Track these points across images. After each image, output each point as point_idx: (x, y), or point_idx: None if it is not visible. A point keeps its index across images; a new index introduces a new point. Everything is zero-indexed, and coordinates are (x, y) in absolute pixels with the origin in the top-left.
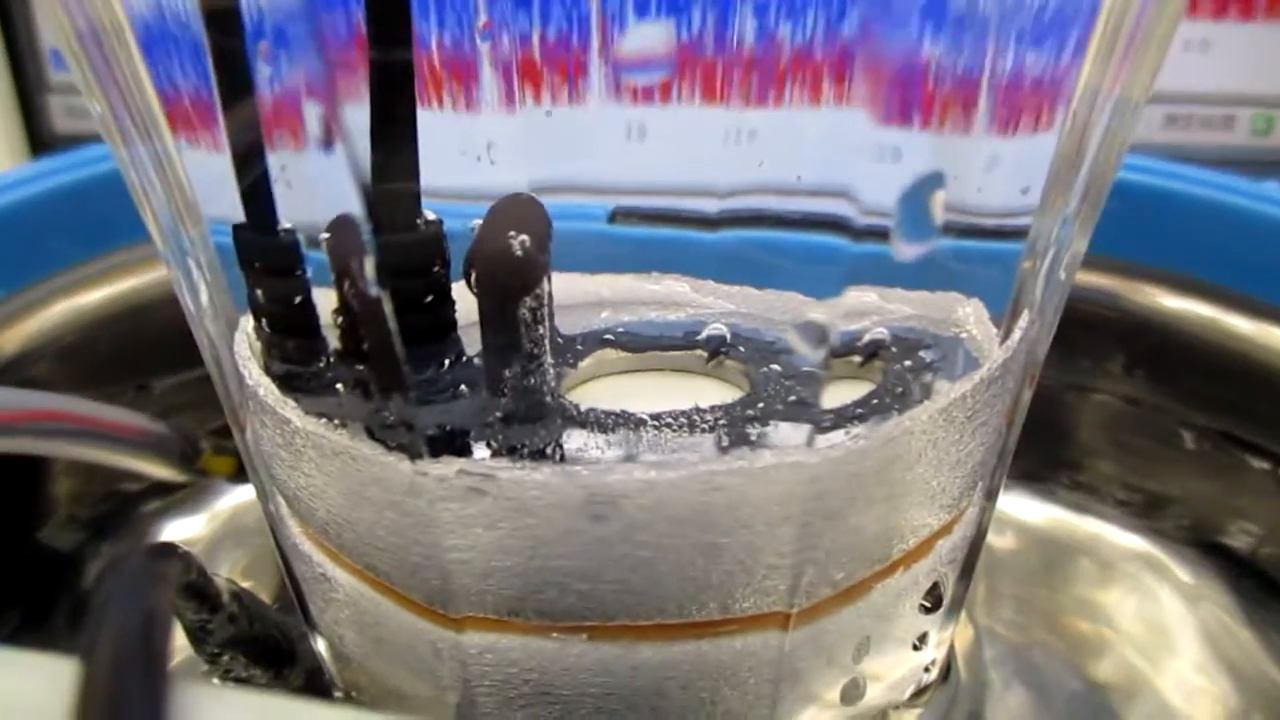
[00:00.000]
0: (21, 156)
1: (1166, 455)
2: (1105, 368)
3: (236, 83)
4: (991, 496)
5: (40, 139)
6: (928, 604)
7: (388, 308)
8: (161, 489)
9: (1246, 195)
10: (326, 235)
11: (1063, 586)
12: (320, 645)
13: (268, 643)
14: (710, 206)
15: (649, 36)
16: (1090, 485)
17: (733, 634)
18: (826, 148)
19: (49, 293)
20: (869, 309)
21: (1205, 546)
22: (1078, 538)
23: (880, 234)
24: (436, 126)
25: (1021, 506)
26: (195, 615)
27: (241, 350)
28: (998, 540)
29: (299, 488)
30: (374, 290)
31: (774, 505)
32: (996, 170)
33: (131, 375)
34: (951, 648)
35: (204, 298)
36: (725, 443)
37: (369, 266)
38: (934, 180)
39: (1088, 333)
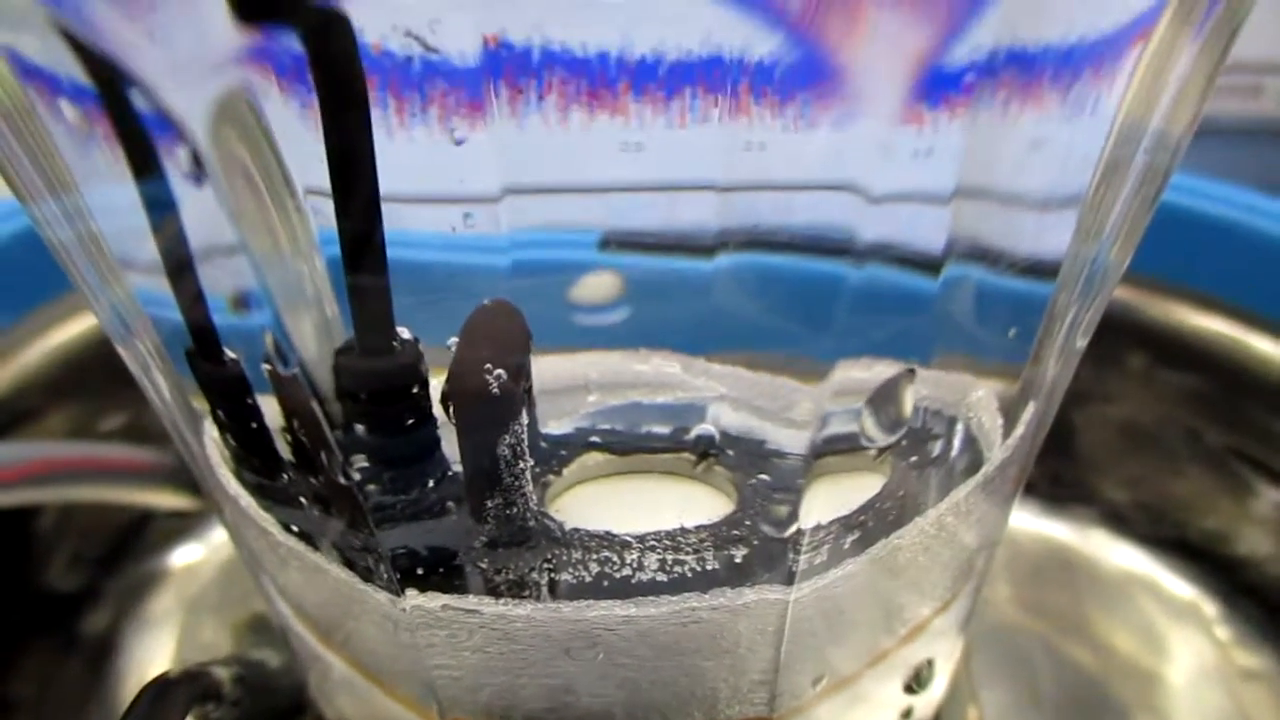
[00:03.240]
0: None
1: (1171, 471)
2: (1114, 377)
3: (158, 198)
4: (992, 560)
5: None
6: (915, 685)
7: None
8: (169, 516)
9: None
10: (266, 366)
11: (1061, 615)
12: (321, 703)
13: (273, 710)
14: (710, 220)
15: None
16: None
17: None
18: (836, 145)
19: (38, 325)
20: (861, 387)
21: (1206, 564)
22: (1078, 560)
23: (885, 255)
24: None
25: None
26: (199, 710)
27: (213, 455)
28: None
29: (285, 583)
30: (343, 479)
31: (756, 634)
32: (1037, 154)
33: (126, 404)
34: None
35: (165, 392)
36: (710, 566)
37: (335, 455)
38: (905, 376)
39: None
